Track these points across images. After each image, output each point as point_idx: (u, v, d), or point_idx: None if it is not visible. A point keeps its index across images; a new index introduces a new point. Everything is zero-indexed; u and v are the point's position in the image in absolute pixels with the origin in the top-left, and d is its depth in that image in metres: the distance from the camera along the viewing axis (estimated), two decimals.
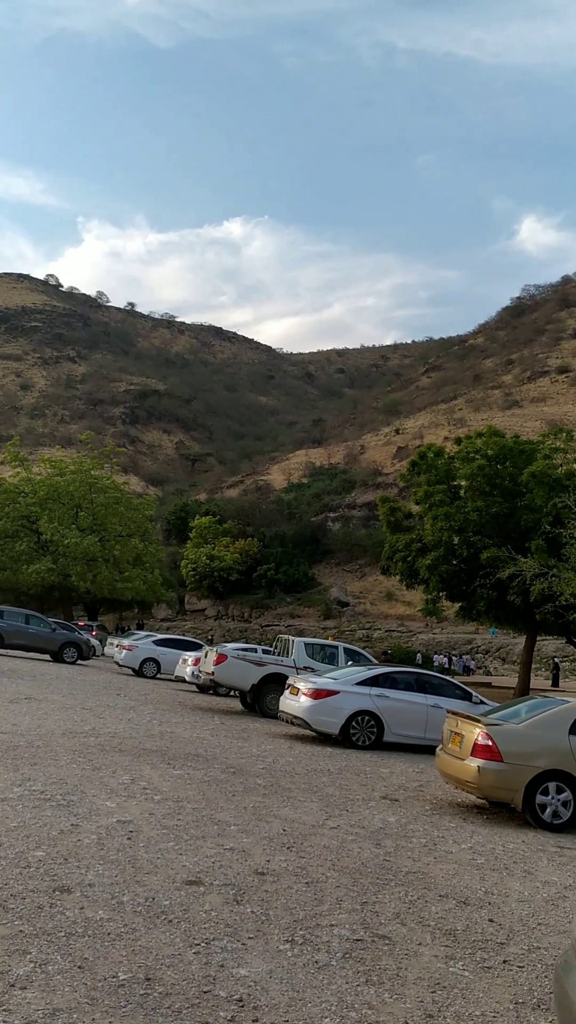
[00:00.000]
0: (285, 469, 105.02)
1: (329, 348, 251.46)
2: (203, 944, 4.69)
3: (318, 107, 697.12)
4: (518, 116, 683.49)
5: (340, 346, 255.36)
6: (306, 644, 20.23)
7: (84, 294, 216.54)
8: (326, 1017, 3.98)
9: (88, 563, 46.09)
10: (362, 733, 14.55)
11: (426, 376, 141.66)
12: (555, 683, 42.79)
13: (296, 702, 14.75)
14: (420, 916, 5.66)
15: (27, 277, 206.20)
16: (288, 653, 19.65)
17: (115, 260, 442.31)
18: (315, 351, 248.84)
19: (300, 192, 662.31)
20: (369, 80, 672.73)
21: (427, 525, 27.47)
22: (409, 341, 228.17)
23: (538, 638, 32.94)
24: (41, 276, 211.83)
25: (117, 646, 30.69)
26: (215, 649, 19.89)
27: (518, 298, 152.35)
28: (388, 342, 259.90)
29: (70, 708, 15.47)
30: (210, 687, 23.67)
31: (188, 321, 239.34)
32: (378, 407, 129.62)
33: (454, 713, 10.39)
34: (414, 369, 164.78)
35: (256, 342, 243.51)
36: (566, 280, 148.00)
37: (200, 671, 21.05)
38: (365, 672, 15.39)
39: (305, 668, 18.71)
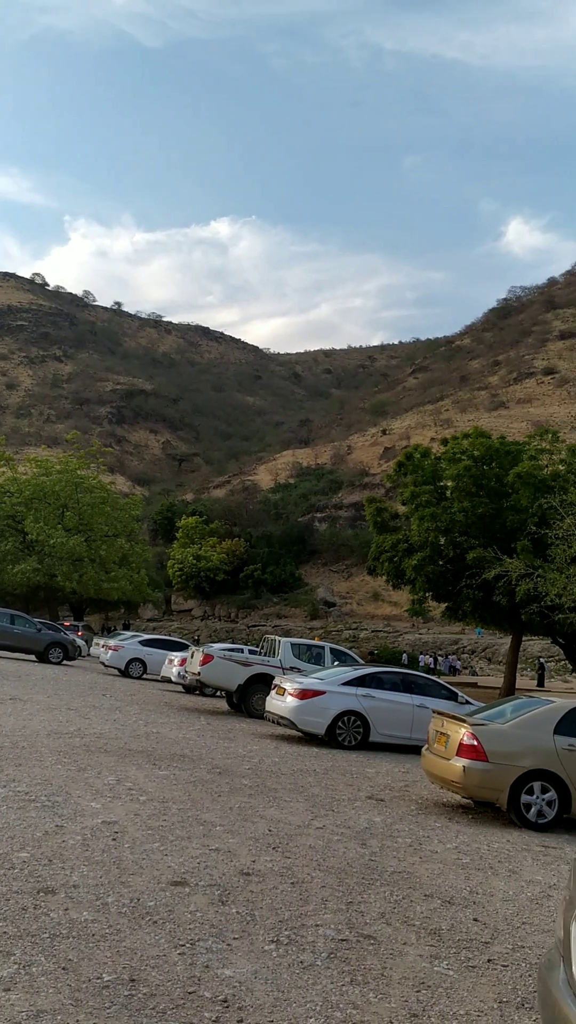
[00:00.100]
0: (272, 469, 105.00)
1: (316, 348, 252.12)
2: (188, 945, 4.69)
3: (306, 108, 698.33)
4: (506, 118, 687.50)
5: (327, 346, 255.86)
6: (292, 644, 20.23)
7: (71, 293, 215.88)
8: (311, 1017, 3.98)
9: (74, 563, 45.91)
10: (348, 733, 14.56)
11: (413, 377, 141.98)
12: (540, 683, 43.00)
13: (282, 702, 14.75)
14: (405, 916, 5.67)
15: (13, 276, 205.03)
16: (274, 653, 19.64)
17: (102, 259, 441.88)
18: (302, 351, 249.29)
19: (287, 192, 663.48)
20: (357, 81, 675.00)
21: (413, 526, 27.52)
22: (396, 342, 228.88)
23: (524, 638, 33.07)
24: (27, 275, 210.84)
25: (103, 646, 30.57)
26: (201, 649, 19.85)
27: (504, 299, 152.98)
28: (375, 343, 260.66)
29: (55, 709, 15.41)
30: (196, 687, 23.64)
31: (175, 321, 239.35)
32: (365, 408, 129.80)
33: (440, 713, 10.41)
34: (401, 370, 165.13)
35: (243, 342, 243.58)
36: (552, 282, 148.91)
37: (186, 671, 21.00)
38: (351, 672, 15.41)
39: (291, 668, 18.71)
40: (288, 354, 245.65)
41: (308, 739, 15.06)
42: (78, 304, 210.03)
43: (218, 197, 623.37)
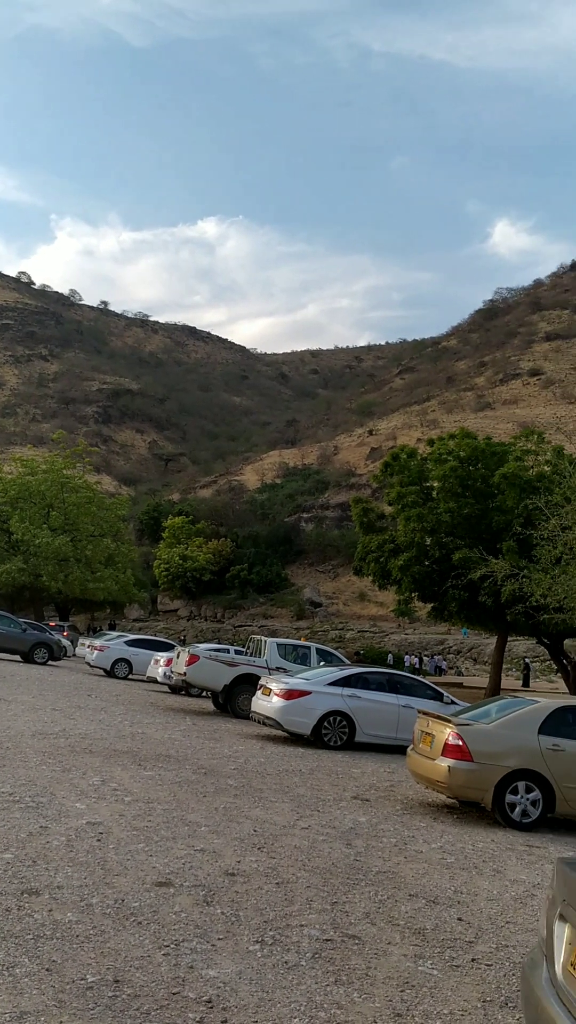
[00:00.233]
0: (259, 469, 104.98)
1: (303, 349, 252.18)
2: (172, 946, 4.68)
3: (294, 108, 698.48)
4: (493, 120, 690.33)
5: (314, 347, 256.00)
6: (278, 644, 20.23)
7: (57, 292, 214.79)
8: (295, 1017, 3.98)
9: (60, 563, 45.75)
10: (334, 733, 14.58)
11: (399, 378, 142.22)
12: (526, 683, 43.19)
13: (268, 703, 14.75)
14: (390, 915, 5.69)
15: None
16: (260, 653, 19.64)
17: (88, 258, 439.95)
18: (289, 352, 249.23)
19: (275, 192, 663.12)
20: (345, 82, 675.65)
21: (400, 526, 27.56)
22: (383, 343, 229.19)
23: (509, 638, 33.18)
24: (13, 273, 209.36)
25: (88, 646, 30.46)
26: (187, 649, 19.83)
27: (491, 301, 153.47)
28: (362, 343, 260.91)
29: (40, 709, 15.35)
30: (182, 688, 23.60)
31: (162, 320, 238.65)
32: (352, 408, 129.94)
33: (425, 713, 10.44)
34: (388, 370, 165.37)
35: (230, 342, 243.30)
36: (538, 283, 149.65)
37: (172, 672, 20.97)
38: (337, 672, 15.42)
39: (277, 668, 18.71)
40: (275, 354, 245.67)
41: (294, 739, 15.06)
42: (64, 303, 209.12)
43: (205, 197, 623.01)
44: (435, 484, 27.72)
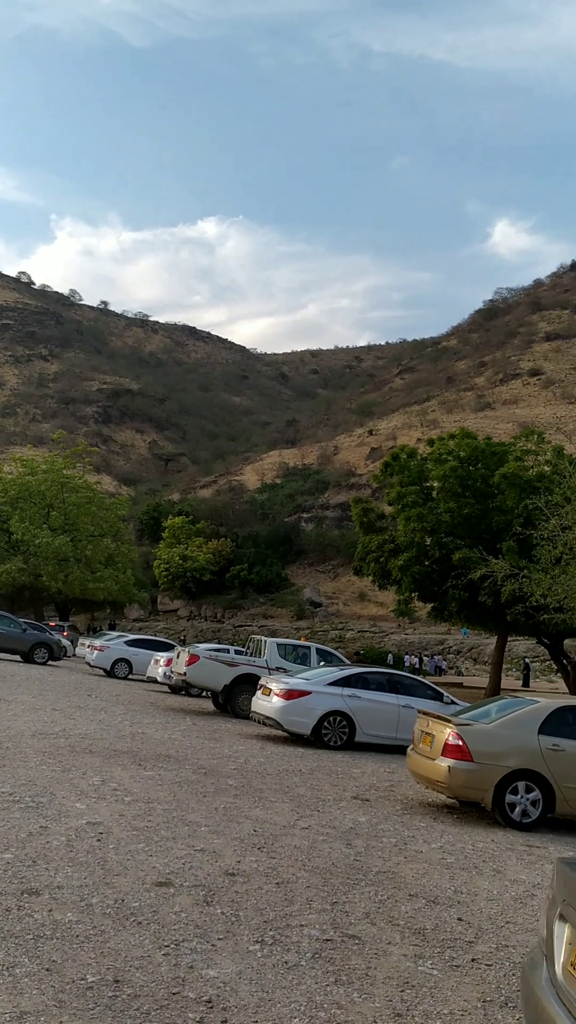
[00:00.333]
0: (259, 469, 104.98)
1: (303, 349, 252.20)
2: (172, 946, 4.68)
3: (294, 108, 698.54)
4: (492, 120, 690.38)
5: (314, 347, 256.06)
6: (278, 644, 20.22)
7: (57, 292, 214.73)
8: (295, 1017, 3.98)
9: (60, 563, 45.74)
10: (334, 733, 14.58)
11: (399, 378, 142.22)
12: (526, 683, 43.19)
13: (268, 703, 14.75)
14: (390, 915, 5.69)
15: None
16: (260, 654, 19.64)
17: (88, 258, 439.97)
18: (289, 352, 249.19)
19: (275, 192, 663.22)
20: (345, 82, 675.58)
21: (400, 526, 27.56)
22: (383, 343, 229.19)
23: (509, 639, 33.18)
24: (13, 273, 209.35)
25: (88, 646, 30.46)
26: (187, 649, 19.82)
27: (491, 301, 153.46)
28: (362, 343, 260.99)
29: (40, 709, 15.35)
30: (182, 688, 23.59)
31: (162, 320, 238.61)
32: (352, 408, 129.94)
33: (425, 713, 10.44)
34: (388, 370, 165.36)
35: (230, 342, 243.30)
36: (538, 283, 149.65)
37: (172, 672, 20.97)
38: (337, 672, 15.42)
39: (277, 668, 18.71)
40: (275, 354, 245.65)
41: (294, 739, 15.06)
42: (64, 303, 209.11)
43: (205, 197, 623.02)
44: (435, 484, 27.72)
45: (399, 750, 13.91)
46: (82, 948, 4.50)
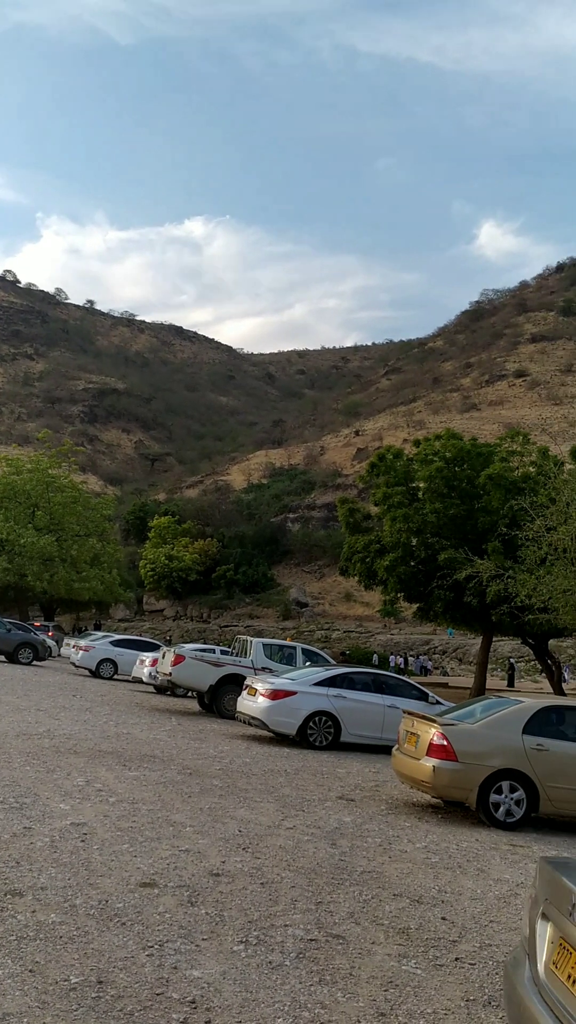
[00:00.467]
0: (245, 469, 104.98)
1: (290, 349, 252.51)
2: (156, 946, 4.67)
3: (280, 108, 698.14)
4: (479, 121, 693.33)
5: (301, 347, 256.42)
6: (264, 645, 20.22)
7: (42, 291, 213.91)
8: (279, 1017, 3.98)
9: (45, 563, 45.54)
10: (319, 734, 14.58)
11: (386, 378, 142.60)
12: (510, 683, 43.36)
13: (254, 703, 14.74)
14: (374, 915, 5.70)
15: None
16: (246, 654, 19.63)
17: (74, 257, 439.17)
18: (276, 352, 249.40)
19: (262, 192, 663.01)
20: (331, 82, 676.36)
21: (386, 526, 27.60)
22: (369, 343, 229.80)
23: (494, 639, 33.26)
24: None
25: (73, 647, 30.34)
26: (173, 650, 19.79)
27: (477, 302, 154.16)
28: (348, 344, 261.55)
29: (24, 710, 15.29)
30: (167, 688, 23.54)
31: (148, 320, 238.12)
32: (338, 408, 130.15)
33: (410, 713, 10.46)
34: (374, 371, 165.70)
35: (217, 342, 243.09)
36: (524, 285, 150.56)
37: (158, 672, 20.92)
38: (323, 673, 15.43)
39: (263, 669, 18.70)
40: (262, 354, 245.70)
41: (279, 739, 15.06)
42: (50, 302, 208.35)
43: (192, 196, 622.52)
44: (421, 485, 27.78)
45: (384, 750, 13.93)
46: (65, 949, 4.49)
